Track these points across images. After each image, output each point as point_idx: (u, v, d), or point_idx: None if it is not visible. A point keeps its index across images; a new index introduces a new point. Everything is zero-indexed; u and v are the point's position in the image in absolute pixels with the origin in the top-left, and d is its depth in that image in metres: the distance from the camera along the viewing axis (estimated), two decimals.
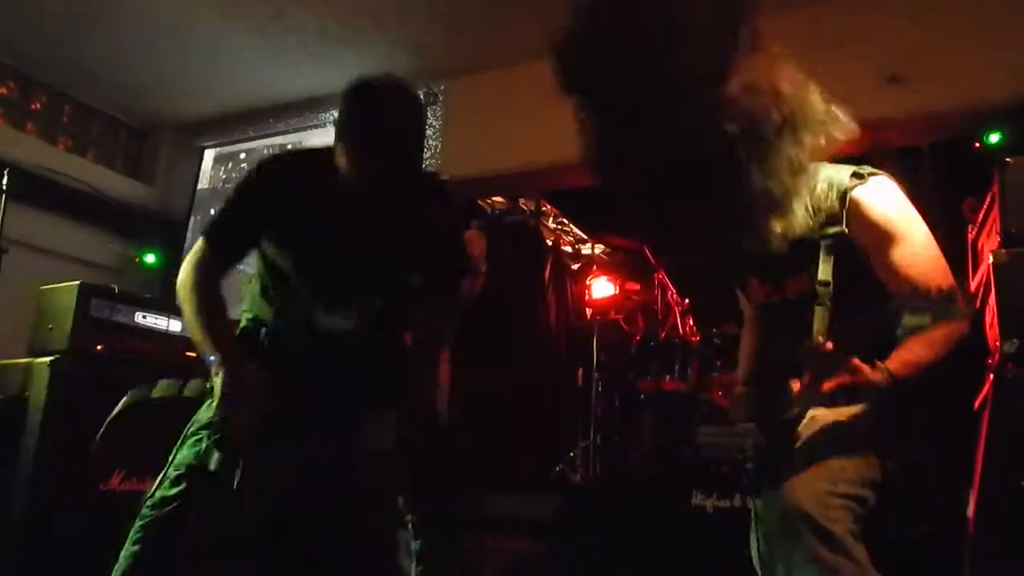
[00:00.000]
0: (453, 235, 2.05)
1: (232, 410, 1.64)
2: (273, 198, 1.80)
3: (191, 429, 1.75)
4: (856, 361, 1.43)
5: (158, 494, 1.69)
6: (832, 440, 1.58)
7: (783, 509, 1.53)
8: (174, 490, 1.68)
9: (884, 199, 1.60)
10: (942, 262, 1.57)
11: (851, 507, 1.50)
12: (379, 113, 1.71)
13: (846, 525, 1.48)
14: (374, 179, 1.71)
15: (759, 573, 1.77)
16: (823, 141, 1.51)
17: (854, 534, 1.48)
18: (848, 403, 1.53)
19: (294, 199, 1.78)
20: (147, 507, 1.69)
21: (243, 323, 1.92)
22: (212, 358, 1.70)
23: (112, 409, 2.57)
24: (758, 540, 1.74)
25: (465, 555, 1.93)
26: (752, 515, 1.81)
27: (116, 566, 1.65)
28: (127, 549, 1.66)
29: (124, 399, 2.48)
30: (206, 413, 1.74)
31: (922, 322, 1.35)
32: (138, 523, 1.68)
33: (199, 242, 1.81)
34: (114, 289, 2.76)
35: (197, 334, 1.74)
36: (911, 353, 1.49)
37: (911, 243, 1.55)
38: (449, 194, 2.07)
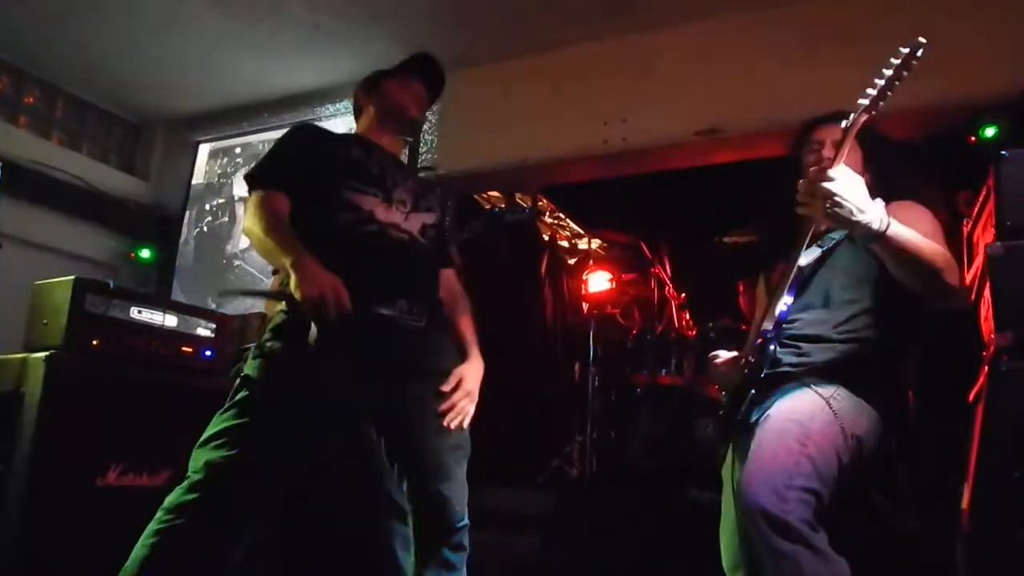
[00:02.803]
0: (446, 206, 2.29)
1: (313, 293, 1.67)
2: (309, 132, 2.08)
3: (207, 435, 1.74)
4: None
5: (173, 500, 1.68)
6: (790, 431, 1.62)
7: (741, 505, 1.57)
8: (189, 496, 1.67)
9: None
10: (946, 248, 1.70)
11: (807, 499, 1.55)
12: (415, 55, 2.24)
13: (803, 515, 1.52)
14: (414, 93, 2.13)
15: (726, 560, 1.81)
16: None
17: (812, 524, 1.52)
18: (836, 220, 1.62)
19: (328, 132, 2.10)
20: (162, 510, 1.68)
21: (277, 320, 1.89)
22: (285, 260, 1.73)
23: (108, 406, 2.57)
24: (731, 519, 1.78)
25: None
26: (725, 490, 1.85)
27: (124, 567, 1.65)
28: (137, 551, 1.65)
29: None
30: (218, 424, 1.74)
31: None
32: (151, 527, 1.67)
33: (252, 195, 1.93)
34: (109, 284, 2.75)
35: (269, 247, 1.80)
36: (911, 231, 1.64)
37: (918, 227, 1.69)
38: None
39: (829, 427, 1.64)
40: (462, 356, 2.05)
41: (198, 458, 1.71)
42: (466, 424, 1.95)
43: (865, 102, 1.62)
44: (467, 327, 2.12)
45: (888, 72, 1.57)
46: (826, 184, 1.58)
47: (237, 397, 1.77)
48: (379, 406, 1.89)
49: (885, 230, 1.60)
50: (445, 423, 1.88)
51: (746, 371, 1.80)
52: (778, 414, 1.69)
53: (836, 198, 1.57)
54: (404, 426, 1.89)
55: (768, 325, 1.78)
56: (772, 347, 1.76)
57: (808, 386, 1.71)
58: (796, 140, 2.01)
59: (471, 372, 2.01)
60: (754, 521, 1.53)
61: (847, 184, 1.59)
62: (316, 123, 2.17)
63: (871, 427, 1.71)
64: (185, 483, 1.69)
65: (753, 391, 1.75)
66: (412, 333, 1.90)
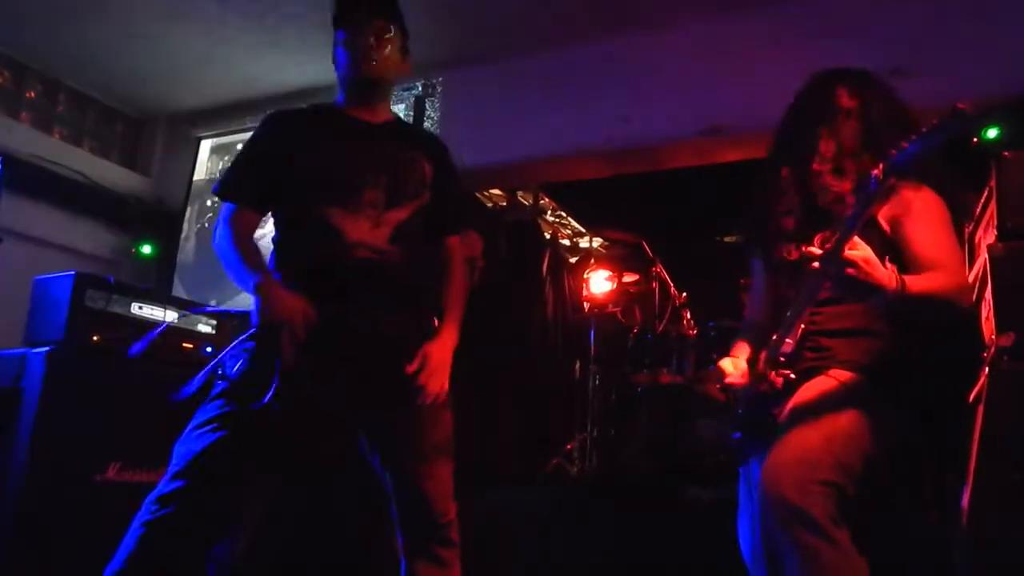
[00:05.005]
0: (446, 155, 2.07)
1: (273, 319, 1.70)
2: (277, 129, 1.95)
3: (188, 428, 1.74)
4: (870, 254, 1.53)
5: (157, 492, 1.68)
6: (814, 424, 1.61)
7: (764, 497, 1.56)
8: (173, 485, 1.66)
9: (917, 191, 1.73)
10: (956, 248, 1.69)
11: (830, 493, 1.54)
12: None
13: (826, 510, 1.51)
14: (359, 33, 1.91)
15: (746, 552, 1.79)
16: None
17: (834, 519, 1.52)
18: (855, 295, 1.59)
19: (297, 124, 1.97)
20: (147, 503, 1.68)
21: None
22: (248, 283, 1.76)
23: (108, 401, 2.57)
24: (752, 515, 1.76)
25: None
26: (742, 486, 1.84)
27: (111, 562, 1.64)
28: (124, 545, 1.64)
29: None
30: (198, 417, 1.74)
31: None
32: (138, 520, 1.66)
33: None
34: (110, 280, 2.75)
35: (235, 269, 1.81)
36: (924, 278, 1.60)
37: (927, 220, 1.68)
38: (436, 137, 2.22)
39: (853, 420, 1.62)
40: (436, 330, 1.95)
41: (179, 448, 1.71)
42: (432, 398, 1.82)
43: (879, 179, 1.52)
44: (452, 299, 1.99)
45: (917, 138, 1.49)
46: (850, 270, 1.51)
47: (217, 390, 1.77)
48: (358, 408, 1.88)
49: (903, 288, 1.55)
50: (419, 402, 1.81)
51: (768, 380, 1.76)
52: (802, 408, 1.67)
53: (861, 277, 1.51)
54: (383, 427, 1.88)
55: (790, 339, 1.71)
56: (796, 356, 1.73)
57: (833, 380, 1.69)
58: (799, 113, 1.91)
59: (436, 348, 1.86)
60: (776, 514, 1.53)
61: (868, 259, 1.52)
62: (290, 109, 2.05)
63: (895, 421, 1.69)
64: (168, 474, 1.68)
65: (775, 399, 1.73)
66: (391, 347, 1.85)
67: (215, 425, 1.70)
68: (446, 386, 1.86)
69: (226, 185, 1.93)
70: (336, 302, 1.81)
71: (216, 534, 1.78)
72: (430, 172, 1.99)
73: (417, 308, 1.95)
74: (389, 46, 1.95)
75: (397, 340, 1.86)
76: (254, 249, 1.85)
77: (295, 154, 1.89)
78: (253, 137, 1.98)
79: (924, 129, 1.49)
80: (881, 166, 1.53)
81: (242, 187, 1.91)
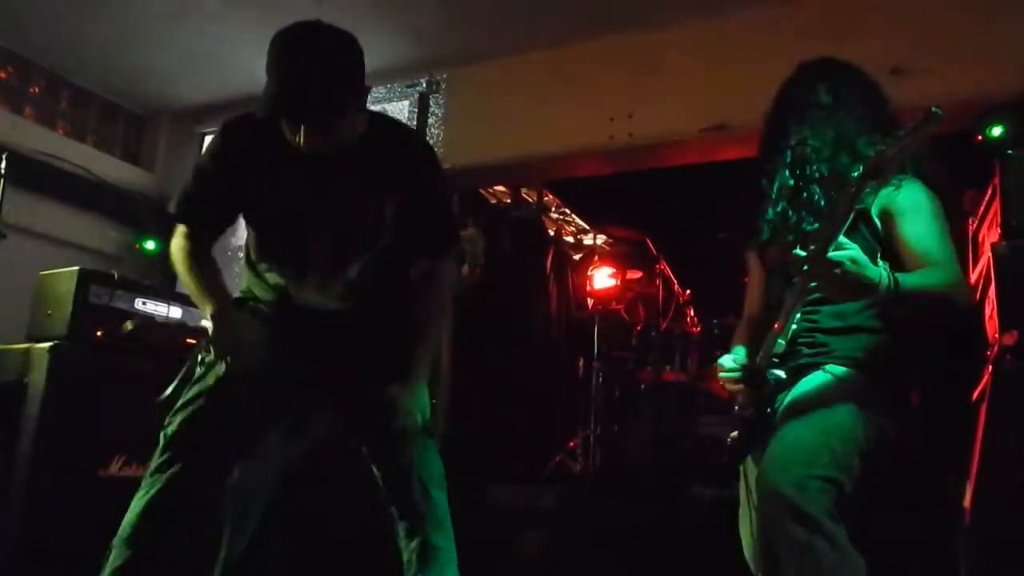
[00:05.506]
0: (427, 176, 1.91)
1: (223, 354, 1.75)
2: (230, 162, 1.85)
3: (178, 406, 1.80)
4: (856, 253, 1.52)
5: (149, 470, 1.77)
6: (811, 420, 1.61)
7: (761, 493, 1.56)
8: (162, 458, 1.74)
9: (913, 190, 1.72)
10: (949, 243, 1.67)
11: (828, 490, 1.53)
12: (278, 72, 1.76)
13: (824, 506, 1.51)
14: (302, 135, 1.67)
15: (748, 552, 1.79)
16: None
17: (832, 515, 1.51)
18: (844, 295, 1.59)
19: (248, 163, 1.81)
20: (143, 480, 1.77)
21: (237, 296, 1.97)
22: (205, 309, 1.80)
23: (111, 397, 2.58)
24: (749, 512, 1.76)
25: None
26: (741, 484, 1.84)
27: (118, 534, 1.73)
28: (127, 519, 1.74)
29: None
30: (180, 400, 1.81)
31: None
32: (136, 496, 1.76)
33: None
34: (113, 275, 2.76)
35: (193, 291, 1.84)
36: (917, 275, 1.60)
37: (918, 217, 1.67)
38: (413, 134, 2.15)
39: (851, 417, 1.62)
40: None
41: (166, 428, 1.78)
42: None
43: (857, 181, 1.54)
44: (417, 347, 1.90)
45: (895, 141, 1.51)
46: (835, 270, 1.50)
47: (196, 373, 1.83)
48: (328, 410, 1.98)
49: (895, 286, 1.54)
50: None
51: (764, 379, 1.76)
52: (799, 403, 1.67)
53: (849, 277, 1.50)
54: (356, 407, 1.92)
55: (783, 339, 1.71)
56: (791, 354, 1.73)
57: (830, 375, 1.68)
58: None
59: (402, 398, 1.84)
60: (774, 510, 1.52)
61: (855, 259, 1.51)
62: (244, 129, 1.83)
63: (893, 418, 1.68)
64: (157, 452, 1.77)
65: (771, 396, 1.73)
66: (350, 395, 1.90)
67: (192, 399, 1.78)
68: (426, 413, 1.88)
69: (181, 209, 1.94)
70: (291, 357, 1.86)
71: (207, 506, 1.87)
72: (392, 208, 1.84)
73: (376, 356, 1.91)
74: (334, 130, 1.73)
75: (356, 390, 1.89)
76: (212, 268, 1.88)
77: (245, 194, 1.86)
78: (208, 160, 1.90)
79: (900, 132, 1.51)
80: (861, 166, 1.54)
81: (197, 213, 1.92)
